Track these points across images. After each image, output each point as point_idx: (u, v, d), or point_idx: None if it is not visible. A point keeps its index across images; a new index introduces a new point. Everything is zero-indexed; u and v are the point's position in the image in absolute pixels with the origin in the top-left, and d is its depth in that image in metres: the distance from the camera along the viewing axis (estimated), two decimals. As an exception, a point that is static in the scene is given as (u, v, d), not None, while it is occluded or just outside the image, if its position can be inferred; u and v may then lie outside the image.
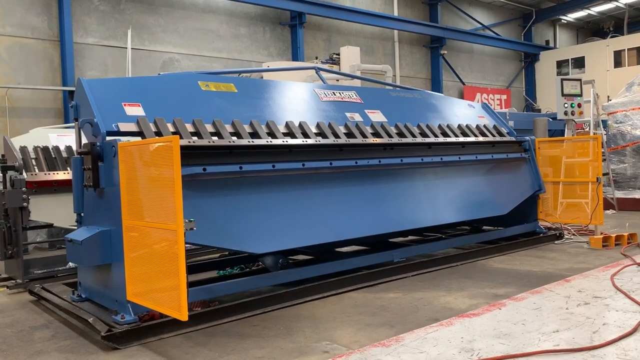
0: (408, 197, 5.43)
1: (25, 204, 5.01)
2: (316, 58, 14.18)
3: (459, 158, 5.90)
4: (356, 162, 4.98)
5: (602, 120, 9.85)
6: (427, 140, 5.70)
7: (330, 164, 4.78)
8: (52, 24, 12.15)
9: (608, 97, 15.23)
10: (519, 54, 24.75)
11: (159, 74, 4.80)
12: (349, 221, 4.86)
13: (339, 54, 12.29)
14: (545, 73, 24.07)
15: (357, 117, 5.52)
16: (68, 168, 5.66)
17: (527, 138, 6.80)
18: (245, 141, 4.36)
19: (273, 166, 4.40)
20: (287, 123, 4.89)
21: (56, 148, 5.80)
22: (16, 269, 5.21)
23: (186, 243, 3.66)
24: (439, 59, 20.51)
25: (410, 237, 6.78)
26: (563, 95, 7.89)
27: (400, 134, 5.62)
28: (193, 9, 14.37)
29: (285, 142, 4.58)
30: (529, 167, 6.70)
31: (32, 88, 11.75)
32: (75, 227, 4.29)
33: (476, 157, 6.08)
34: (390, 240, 6.20)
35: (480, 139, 6.30)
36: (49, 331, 3.91)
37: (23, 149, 5.57)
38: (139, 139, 3.96)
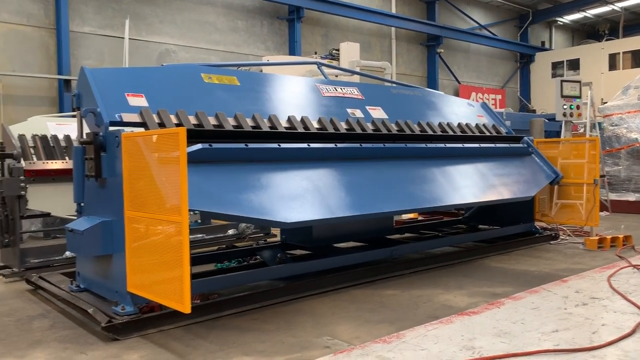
0: (438, 180, 5.38)
1: (23, 192, 4.96)
2: (315, 53, 14.14)
3: (463, 145, 5.90)
4: (361, 145, 4.95)
5: (597, 123, 9.91)
6: (427, 134, 5.73)
7: (335, 145, 4.75)
8: (49, 12, 12.03)
9: (602, 99, 15.35)
10: (515, 55, 24.83)
11: (162, 65, 4.77)
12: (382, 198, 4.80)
13: (338, 50, 12.26)
14: (540, 74, 24.17)
15: (359, 114, 5.52)
16: (66, 157, 5.62)
17: (526, 137, 6.85)
18: (250, 128, 4.37)
19: (279, 145, 4.36)
20: (289, 117, 4.88)
21: (54, 137, 5.75)
22: (12, 258, 5.17)
23: (208, 213, 3.56)
24: (435, 58, 20.54)
25: (406, 235, 6.79)
26: (562, 96, 7.93)
27: (401, 131, 5.63)
28: (190, 0, 14.27)
29: (290, 131, 4.59)
30: (538, 158, 6.74)
31: (28, 76, 11.64)
32: (72, 217, 4.26)
33: (479, 145, 6.10)
34: (387, 237, 6.21)
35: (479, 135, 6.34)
36: (47, 321, 3.88)
37: (21, 137, 5.52)
38: (141, 129, 3.94)
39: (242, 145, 4.11)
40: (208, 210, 3.64)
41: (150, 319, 3.60)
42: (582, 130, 11.15)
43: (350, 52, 11.59)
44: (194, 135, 3.88)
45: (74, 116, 7.60)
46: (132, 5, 13.21)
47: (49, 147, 5.62)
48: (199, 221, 6.56)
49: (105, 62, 12.67)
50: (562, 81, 8.01)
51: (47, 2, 11.99)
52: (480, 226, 7.18)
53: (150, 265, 3.35)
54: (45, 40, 12.01)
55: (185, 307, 3.07)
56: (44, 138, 5.67)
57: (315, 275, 4.70)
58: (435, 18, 20.37)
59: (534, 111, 17.76)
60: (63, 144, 5.74)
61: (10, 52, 11.46)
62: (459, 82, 21.77)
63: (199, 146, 3.81)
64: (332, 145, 4.73)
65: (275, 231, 7.02)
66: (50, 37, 12.05)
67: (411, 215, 8.55)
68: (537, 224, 7.02)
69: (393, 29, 19.21)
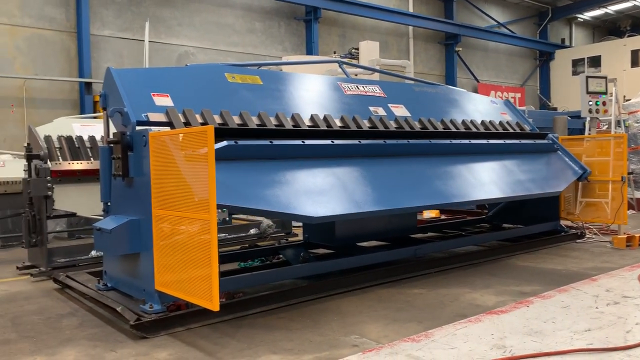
0: (464, 176, 5.36)
1: (49, 192, 5.02)
2: (334, 52, 14.11)
3: (487, 141, 5.85)
4: (385, 142, 4.93)
5: (622, 120, 9.73)
6: (450, 131, 5.68)
7: (359, 142, 4.74)
8: (70, 16, 12.18)
9: (624, 96, 15.06)
10: (534, 52, 24.53)
11: (187, 65, 4.79)
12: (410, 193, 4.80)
13: (357, 49, 12.22)
14: (560, 72, 23.85)
15: (381, 112, 5.49)
16: (91, 158, 5.68)
17: (550, 134, 6.76)
18: (274, 127, 4.40)
19: (303, 142, 4.37)
20: (312, 116, 4.87)
21: (80, 138, 5.82)
22: (40, 257, 5.24)
23: (236, 207, 3.56)
24: (453, 56, 20.38)
25: (429, 234, 6.74)
26: (588, 92, 7.80)
27: (424, 129, 5.58)
28: (209, 2, 14.35)
29: (313, 129, 4.61)
30: (564, 155, 6.66)
31: (49, 79, 11.79)
32: (97, 217, 4.29)
33: (504, 141, 6.05)
34: (410, 236, 6.16)
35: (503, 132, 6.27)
36: (76, 319, 3.92)
37: (47, 139, 5.58)
38: (167, 129, 3.95)
39: (266, 142, 4.11)
40: (236, 205, 3.65)
41: (177, 317, 3.61)
42: (605, 128, 10.96)
43: (370, 51, 11.55)
44: (220, 133, 3.89)
45: (95, 117, 7.70)
46: (151, 8, 13.33)
47: (74, 147, 5.69)
48: (227, 219, 6.59)
49: (125, 64, 12.78)
50: (587, 77, 7.89)
51: (69, 7, 12.15)
52: (504, 225, 7.09)
53: (178, 263, 3.35)
54: (66, 44, 12.16)
55: (214, 305, 3.08)
56: (69, 139, 5.73)
57: (339, 274, 4.68)
58: (453, 16, 20.21)
59: (554, 109, 17.52)
60: (88, 144, 5.80)
61: (33, 56, 11.63)
62: (477, 81, 21.58)
63: (224, 143, 3.82)
64: (356, 142, 4.71)
65: (297, 230, 7.01)
66: (71, 41, 12.20)
67: (433, 214, 8.49)
68: (562, 222, 6.91)
69: (410, 28, 19.11)
